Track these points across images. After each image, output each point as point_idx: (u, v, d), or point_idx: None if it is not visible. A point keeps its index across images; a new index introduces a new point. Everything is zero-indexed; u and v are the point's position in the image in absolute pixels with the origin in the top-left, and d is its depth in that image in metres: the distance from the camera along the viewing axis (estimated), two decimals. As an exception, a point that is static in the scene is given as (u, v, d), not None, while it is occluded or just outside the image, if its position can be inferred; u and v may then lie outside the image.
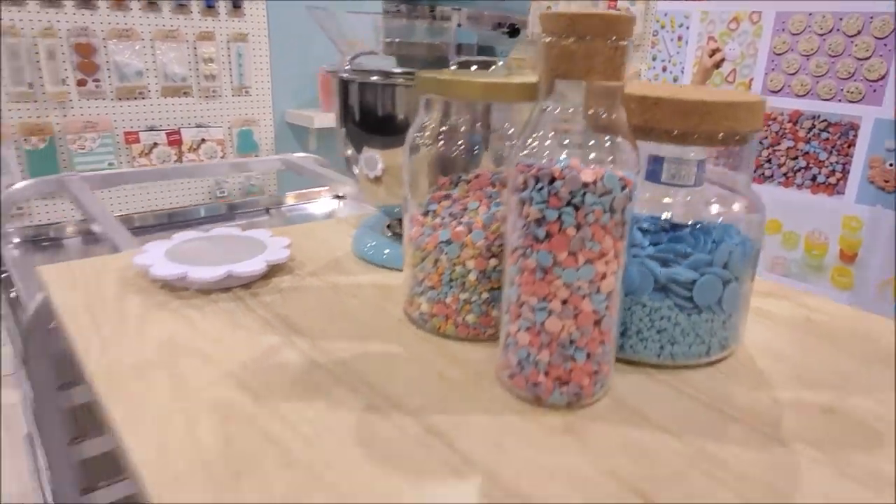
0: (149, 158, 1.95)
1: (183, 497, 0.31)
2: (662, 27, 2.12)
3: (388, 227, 0.66)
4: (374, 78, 0.55)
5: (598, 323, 0.37)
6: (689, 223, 0.45)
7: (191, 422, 0.37)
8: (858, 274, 1.79)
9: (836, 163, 1.80)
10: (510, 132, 0.47)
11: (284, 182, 2.26)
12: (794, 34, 1.84)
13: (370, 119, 0.58)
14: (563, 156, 0.36)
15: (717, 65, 2.01)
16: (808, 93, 1.84)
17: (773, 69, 1.90)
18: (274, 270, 0.58)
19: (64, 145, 1.82)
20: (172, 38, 1.90)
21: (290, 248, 0.60)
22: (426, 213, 0.49)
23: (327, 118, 2.13)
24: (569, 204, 0.35)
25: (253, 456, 0.35)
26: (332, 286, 0.56)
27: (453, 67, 0.54)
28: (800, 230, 1.90)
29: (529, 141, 0.37)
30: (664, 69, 2.15)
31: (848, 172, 1.78)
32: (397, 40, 0.56)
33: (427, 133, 0.47)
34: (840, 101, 1.77)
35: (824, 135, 1.83)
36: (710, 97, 0.40)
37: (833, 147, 1.80)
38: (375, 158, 0.60)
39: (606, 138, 0.36)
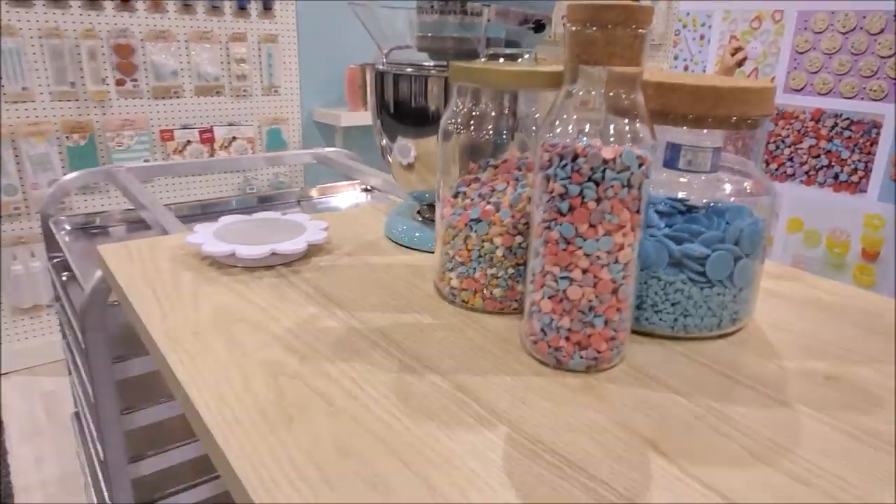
0: (182, 155, 2.01)
1: (242, 436, 0.36)
2: (685, 26, 2.14)
3: (419, 212, 0.70)
4: (409, 70, 0.59)
5: (615, 291, 0.41)
6: (704, 202, 0.49)
7: (245, 377, 0.41)
8: (881, 272, 1.79)
9: (859, 161, 1.80)
10: (536, 116, 0.50)
11: (312, 178, 2.31)
12: (816, 33, 1.84)
13: (404, 109, 0.62)
14: (586, 136, 0.39)
15: (740, 63, 2.02)
16: (830, 91, 1.85)
17: (795, 68, 1.91)
18: (313, 251, 0.62)
19: (103, 142, 1.89)
20: (206, 39, 1.97)
21: (328, 231, 0.64)
22: (456, 195, 0.53)
23: (354, 117, 2.18)
24: (590, 179, 0.38)
25: (303, 405, 0.38)
26: (367, 265, 0.60)
27: (483, 59, 0.57)
28: (821, 228, 1.91)
29: (555, 123, 0.41)
30: (686, 68, 2.16)
31: (870, 171, 1.78)
32: (430, 35, 0.60)
33: (459, 119, 0.51)
34: (863, 99, 1.77)
35: (846, 133, 1.83)
36: (723, 83, 0.43)
37: (855, 145, 1.80)
38: (409, 147, 0.64)
39: (625, 120, 0.40)
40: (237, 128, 2.09)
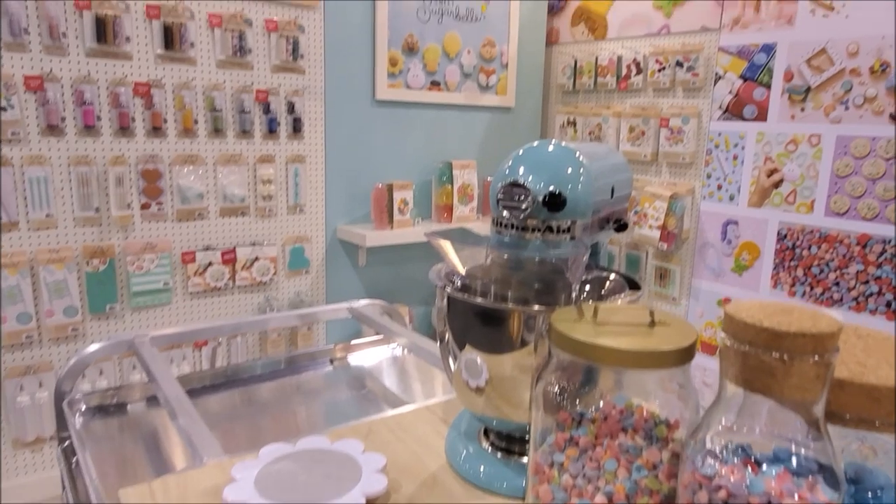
0: (203, 277, 1.96)
1: None
2: (717, 146, 2.11)
3: (485, 433, 0.61)
4: (482, 301, 0.51)
5: None
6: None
7: None
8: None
9: (914, 291, 1.71)
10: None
11: (333, 298, 2.25)
12: (857, 158, 1.80)
13: (477, 329, 0.54)
14: (750, 473, 0.31)
15: (776, 185, 1.97)
16: (876, 216, 1.78)
17: (836, 191, 1.85)
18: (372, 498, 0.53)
19: (123, 266, 1.84)
20: (234, 161, 1.95)
21: (386, 470, 0.55)
22: (552, 465, 0.44)
23: (379, 236, 2.13)
24: (768, 540, 0.30)
25: None
26: (435, 525, 0.51)
27: (575, 290, 0.50)
28: (878, 360, 1.79)
29: (705, 445, 0.32)
30: (719, 187, 2.12)
31: (928, 302, 1.69)
32: (506, 256, 0.53)
33: (554, 380, 0.43)
34: (913, 227, 1.70)
35: (897, 260, 1.75)
36: (903, 379, 0.35)
37: (909, 274, 1.72)
38: (479, 366, 0.56)
39: (802, 451, 0.31)
40: (260, 247, 2.05)
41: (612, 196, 0.58)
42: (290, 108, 2.05)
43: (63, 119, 1.70)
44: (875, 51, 1.76)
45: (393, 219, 2.18)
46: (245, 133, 1.96)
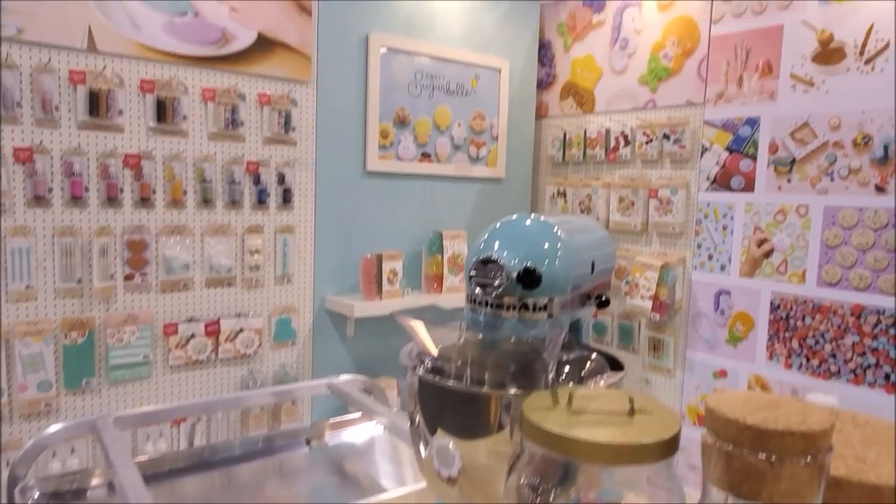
0: (184, 350, 1.91)
1: None
2: (706, 216, 2.12)
3: (461, 528, 0.57)
4: (453, 384, 0.48)
5: None
6: None
7: None
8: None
9: (913, 363, 1.67)
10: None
11: (321, 370, 2.19)
12: (846, 228, 1.80)
13: (449, 414, 0.51)
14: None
15: (767, 255, 1.97)
16: (868, 286, 1.76)
17: (827, 261, 1.84)
18: None
19: (102, 339, 1.80)
20: (222, 232, 1.94)
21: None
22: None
23: (367, 307, 2.10)
24: None
25: None
26: None
27: (552, 369, 0.47)
28: (881, 435, 1.73)
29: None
30: (710, 257, 2.11)
31: (928, 375, 1.65)
32: (480, 336, 0.50)
33: (528, 474, 0.39)
34: (907, 297, 1.68)
35: (893, 331, 1.72)
36: (907, 478, 0.32)
37: (906, 346, 1.68)
38: (452, 454, 0.52)
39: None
40: (245, 318, 2.01)
41: (592, 271, 0.56)
42: (281, 178, 2.06)
43: (50, 190, 1.70)
44: (857, 125, 1.79)
45: (382, 289, 2.16)
46: (234, 203, 1.95)
